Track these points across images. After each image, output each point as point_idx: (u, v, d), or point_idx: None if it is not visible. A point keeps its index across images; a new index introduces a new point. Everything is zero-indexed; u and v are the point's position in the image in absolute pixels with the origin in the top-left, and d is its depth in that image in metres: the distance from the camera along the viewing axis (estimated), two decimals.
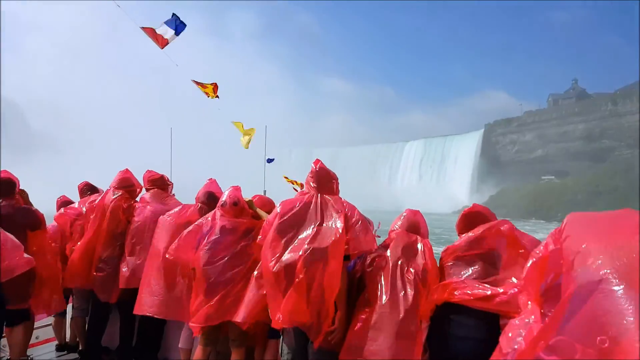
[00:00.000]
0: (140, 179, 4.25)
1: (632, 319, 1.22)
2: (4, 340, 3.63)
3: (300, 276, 2.55)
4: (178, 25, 5.61)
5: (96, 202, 4.03)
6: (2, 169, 3.69)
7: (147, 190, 4.18)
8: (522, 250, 2.32)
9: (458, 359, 2.30)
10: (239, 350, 3.28)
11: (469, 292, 2.28)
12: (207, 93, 6.27)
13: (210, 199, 3.71)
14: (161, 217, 3.70)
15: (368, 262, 2.72)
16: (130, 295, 3.64)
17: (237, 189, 3.43)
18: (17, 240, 3.25)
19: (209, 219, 3.34)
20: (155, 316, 3.46)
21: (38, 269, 3.53)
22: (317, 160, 2.97)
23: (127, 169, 4.28)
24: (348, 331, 2.57)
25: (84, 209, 4.13)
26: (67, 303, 4.19)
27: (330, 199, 2.81)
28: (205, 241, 3.23)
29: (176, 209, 3.72)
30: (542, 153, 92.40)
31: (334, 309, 2.59)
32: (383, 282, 2.56)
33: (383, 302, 2.50)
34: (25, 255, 3.28)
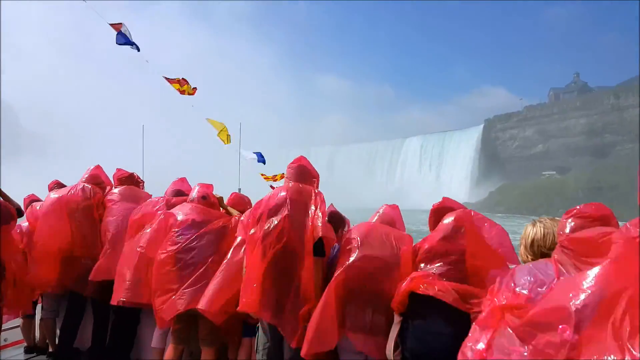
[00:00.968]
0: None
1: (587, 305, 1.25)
2: None
3: (277, 270, 2.62)
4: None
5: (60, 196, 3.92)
6: None
7: (116, 187, 4.13)
8: (486, 244, 2.35)
9: (432, 355, 2.26)
10: (209, 350, 3.19)
11: (436, 287, 2.27)
12: (183, 91, 6.34)
13: (177, 196, 3.74)
14: (133, 212, 3.72)
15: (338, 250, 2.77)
16: (105, 292, 3.58)
17: (206, 185, 3.52)
18: None
19: (179, 212, 3.36)
20: (129, 302, 3.39)
21: (6, 269, 3.43)
22: (301, 157, 3.05)
23: (98, 165, 4.28)
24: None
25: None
26: (36, 304, 4.09)
27: (303, 190, 2.86)
28: (174, 233, 3.24)
29: (145, 204, 3.75)
30: (543, 148, 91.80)
31: (312, 304, 2.60)
32: None
33: None
34: None
